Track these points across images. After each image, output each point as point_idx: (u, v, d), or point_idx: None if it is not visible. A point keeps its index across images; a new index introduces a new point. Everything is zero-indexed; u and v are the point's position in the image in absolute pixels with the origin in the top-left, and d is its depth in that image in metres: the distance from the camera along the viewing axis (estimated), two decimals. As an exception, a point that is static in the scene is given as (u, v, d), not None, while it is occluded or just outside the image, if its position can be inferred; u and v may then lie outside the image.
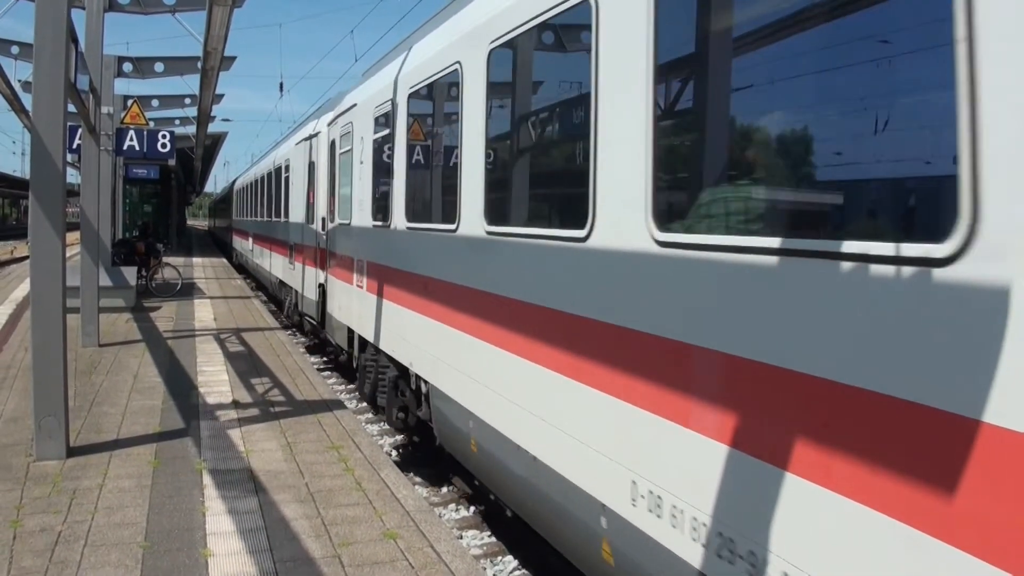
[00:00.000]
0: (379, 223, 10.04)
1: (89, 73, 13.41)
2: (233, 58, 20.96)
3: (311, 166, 16.09)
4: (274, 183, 22.88)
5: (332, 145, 13.91)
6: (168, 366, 12.24)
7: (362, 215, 11.10)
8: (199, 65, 19.18)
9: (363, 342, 11.64)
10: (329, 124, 14.30)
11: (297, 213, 17.96)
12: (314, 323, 16.50)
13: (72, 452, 7.67)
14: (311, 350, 17.76)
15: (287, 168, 19.87)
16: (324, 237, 14.48)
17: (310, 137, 16.37)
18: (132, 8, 15.73)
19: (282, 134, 35.30)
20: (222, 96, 26.46)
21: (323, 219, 14.74)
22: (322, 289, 14.92)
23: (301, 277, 17.52)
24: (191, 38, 16.90)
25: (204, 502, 6.54)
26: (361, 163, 11.15)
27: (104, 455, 7.70)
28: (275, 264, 22.84)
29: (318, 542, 5.84)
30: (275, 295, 24.81)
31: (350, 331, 12.51)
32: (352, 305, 12.05)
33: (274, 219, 22.71)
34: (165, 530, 5.94)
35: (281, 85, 37.67)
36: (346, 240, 12.44)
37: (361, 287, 11.26)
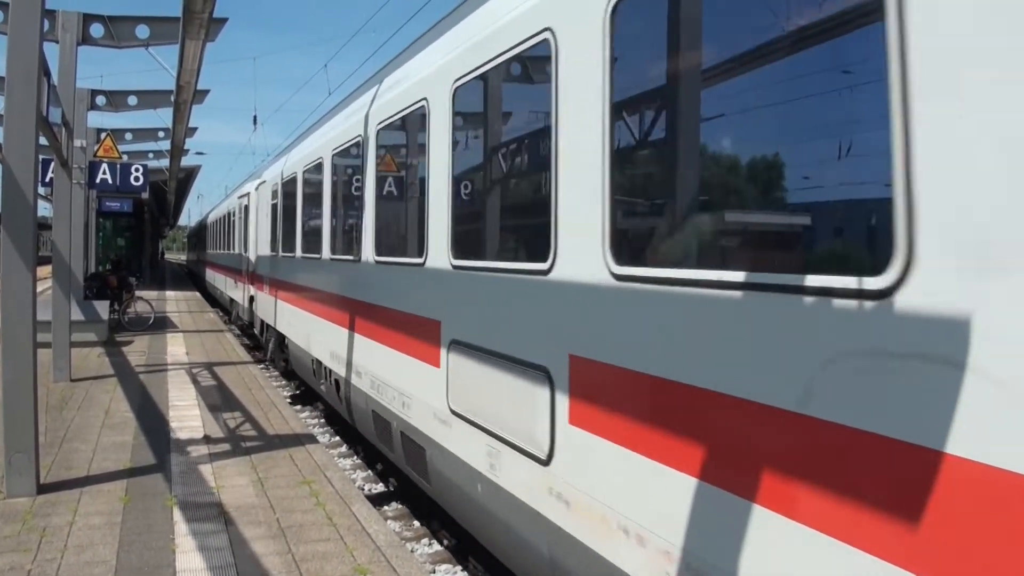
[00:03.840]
0: None
1: (62, 106, 13.43)
2: (206, 91, 21.11)
3: None
4: None
5: None
6: (140, 401, 12.16)
7: None
8: (172, 99, 19.26)
9: None
10: None
11: None
12: None
13: (43, 489, 7.62)
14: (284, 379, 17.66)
15: None
16: None
17: None
18: (105, 42, 15.73)
19: (256, 167, 31.95)
20: (195, 129, 26.58)
21: None
22: None
23: None
24: (165, 71, 16.94)
25: (174, 539, 6.51)
26: None
27: (75, 492, 7.66)
28: None
29: (289, 578, 5.84)
30: None
31: None
32: None
33: None
34: (135, 568, 5.92)
35: (255, 118, 37.67)
36: None
37: None
